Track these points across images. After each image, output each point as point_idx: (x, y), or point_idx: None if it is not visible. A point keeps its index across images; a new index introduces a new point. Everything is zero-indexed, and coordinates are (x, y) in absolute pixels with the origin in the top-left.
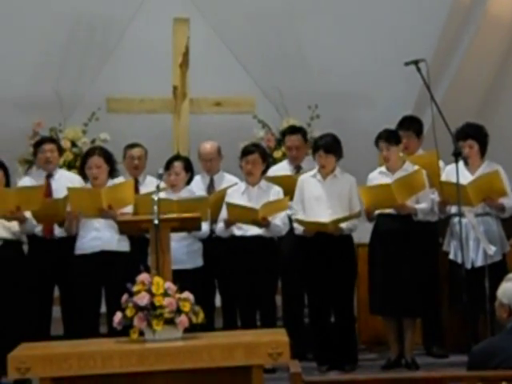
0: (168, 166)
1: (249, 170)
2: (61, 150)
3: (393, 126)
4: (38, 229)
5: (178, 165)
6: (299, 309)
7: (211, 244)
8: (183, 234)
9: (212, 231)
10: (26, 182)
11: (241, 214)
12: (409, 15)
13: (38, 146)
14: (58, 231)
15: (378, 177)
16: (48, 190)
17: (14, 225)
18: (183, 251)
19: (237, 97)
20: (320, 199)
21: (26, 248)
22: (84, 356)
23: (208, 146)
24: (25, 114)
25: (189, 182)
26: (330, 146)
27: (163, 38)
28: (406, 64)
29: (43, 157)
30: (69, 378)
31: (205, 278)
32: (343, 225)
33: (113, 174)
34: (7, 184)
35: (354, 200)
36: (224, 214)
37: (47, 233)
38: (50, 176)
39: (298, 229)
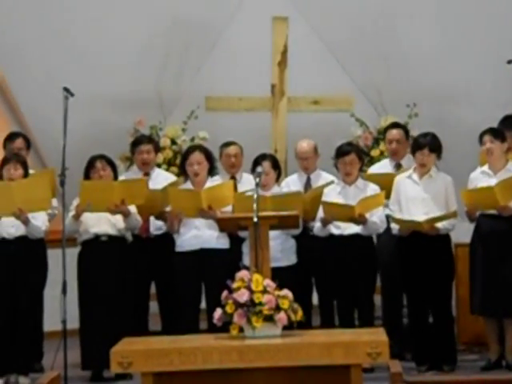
0: (256, 164)
1: (347, 171)
2: (158, 150)
3: (493, 125)
4: None
5: (266, 164)
6: (398, 309)
7: (309, 242)
8: (277, 232)
9: (307, 228)
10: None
11: (337, 211)
12: (511, 13)
13: (134, 146)
14: (154, 228)
15: (480, 177)
16: None
17: (119, 221)
18: (278, 249)
19: (335, 95)
20: (416, 200)
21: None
22: (185, 352)
23: (305, 145)
24: (126, 113)
25: (277, 179)
26: (434, 145)
27: (262, 37)
28: (509, 62)
29: (140, 158)
30: (169, 373)
31: (302, 276)
32: (439, 224)
33: (212, 171)
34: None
35: (451, 199)
36: (321, 213)
37: (143, 231)
38: (146, 175)
39: (395, 228)
